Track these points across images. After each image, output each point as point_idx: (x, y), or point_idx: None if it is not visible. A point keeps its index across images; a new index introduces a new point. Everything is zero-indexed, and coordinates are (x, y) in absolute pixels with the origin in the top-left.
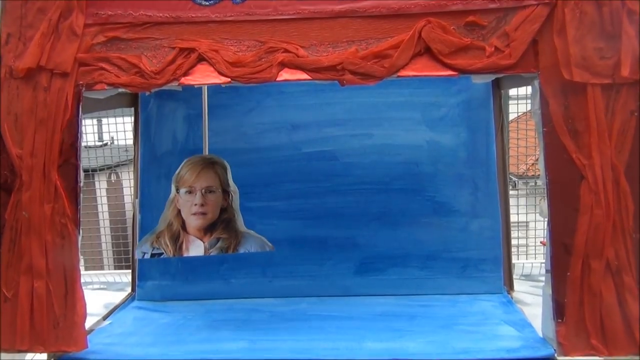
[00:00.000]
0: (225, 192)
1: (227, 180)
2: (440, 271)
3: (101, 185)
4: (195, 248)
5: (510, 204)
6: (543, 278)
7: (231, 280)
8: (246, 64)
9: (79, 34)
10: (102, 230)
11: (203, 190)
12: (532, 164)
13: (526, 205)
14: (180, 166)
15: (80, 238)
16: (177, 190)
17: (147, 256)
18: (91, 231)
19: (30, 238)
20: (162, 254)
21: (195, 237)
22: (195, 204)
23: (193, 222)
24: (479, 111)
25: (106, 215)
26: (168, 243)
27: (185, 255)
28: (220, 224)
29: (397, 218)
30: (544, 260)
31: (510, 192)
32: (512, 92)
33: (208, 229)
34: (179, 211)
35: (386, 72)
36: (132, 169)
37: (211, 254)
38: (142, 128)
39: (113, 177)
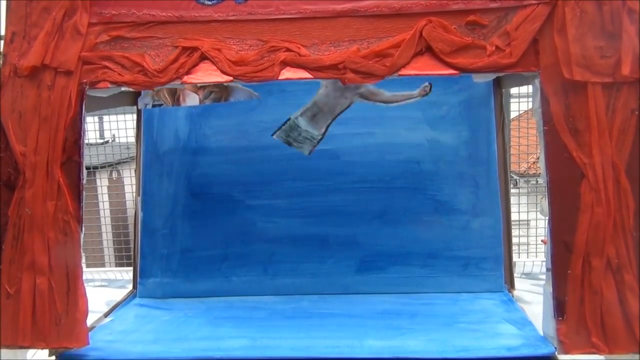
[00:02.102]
0: None
1: None
2: (441, 269)
3: (102, 182)
4: (191, 100)
5: (512, 202)
6: (544, 276)
7: (232, 277)
8: (248, 62)
9: (83, 32)
10: (103, 227)
11: None
12: (534, 162)
13: (527, 204)
14: None
15: (82, 235)
16: None
17: (149, 107)
18: (92, 228)
19: (32, 235)
20: (162, 104)
21: (190, 92)
22: None
23: None
24: (480, 110)
25: (107, 212)
26: (167, 96)
27: (182, 105)
28: None
29: (398, 216)
30: (544, 259)
31: (512, 191)
32: (514, 90)
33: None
34: None
35: (387, 71)
36: (134, 167)
37: (205, 103)
38: (144, 126)
39: (114, 175)
